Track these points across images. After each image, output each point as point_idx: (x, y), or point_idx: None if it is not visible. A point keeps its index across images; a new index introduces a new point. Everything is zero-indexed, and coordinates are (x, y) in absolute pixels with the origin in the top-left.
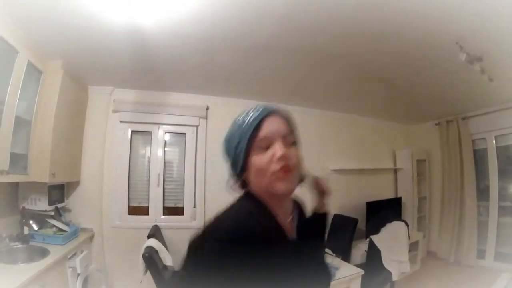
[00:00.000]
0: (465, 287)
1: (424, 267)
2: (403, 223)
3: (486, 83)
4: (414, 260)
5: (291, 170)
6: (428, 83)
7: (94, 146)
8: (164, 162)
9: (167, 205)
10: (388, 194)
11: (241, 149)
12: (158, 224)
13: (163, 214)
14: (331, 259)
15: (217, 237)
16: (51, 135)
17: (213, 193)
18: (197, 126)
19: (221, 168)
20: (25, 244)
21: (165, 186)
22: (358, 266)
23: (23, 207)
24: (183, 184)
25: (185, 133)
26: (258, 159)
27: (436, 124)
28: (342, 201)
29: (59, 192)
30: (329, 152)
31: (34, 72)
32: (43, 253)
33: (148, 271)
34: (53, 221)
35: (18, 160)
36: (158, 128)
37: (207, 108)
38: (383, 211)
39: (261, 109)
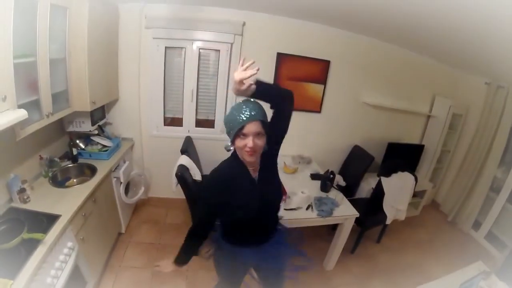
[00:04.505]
0: (446, 250)
1: (423, 215)
2: (413, 177)
3: None
4: (416, 206)
5: (255, 152)
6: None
7: (129, 64)
8: (198, 77)
9: (199, 117)
10: (413, 139)
11: (232, 134)
12: (191, 135)
13: (196, 126)
14: (335, 194)
15: (214, 175)
16: (87, 66)
17: None
18: (231, 44)
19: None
20: (75, 163)
21: (198, 100)
22: (361, 199)
23: (70, 131)
24: (215, 99)
25: (219, 50)
26: (238, 142)
27: (485, 83)
28: (366, 134)
29: (100, 112)
30: (366, 83)
31: (59, 11)
32: (92, 170)
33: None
34: (97, 139)
35: (59, 97)
36: (192, 44)
37: (243, 25)
38: (400, 159)
39: (248, 116)
